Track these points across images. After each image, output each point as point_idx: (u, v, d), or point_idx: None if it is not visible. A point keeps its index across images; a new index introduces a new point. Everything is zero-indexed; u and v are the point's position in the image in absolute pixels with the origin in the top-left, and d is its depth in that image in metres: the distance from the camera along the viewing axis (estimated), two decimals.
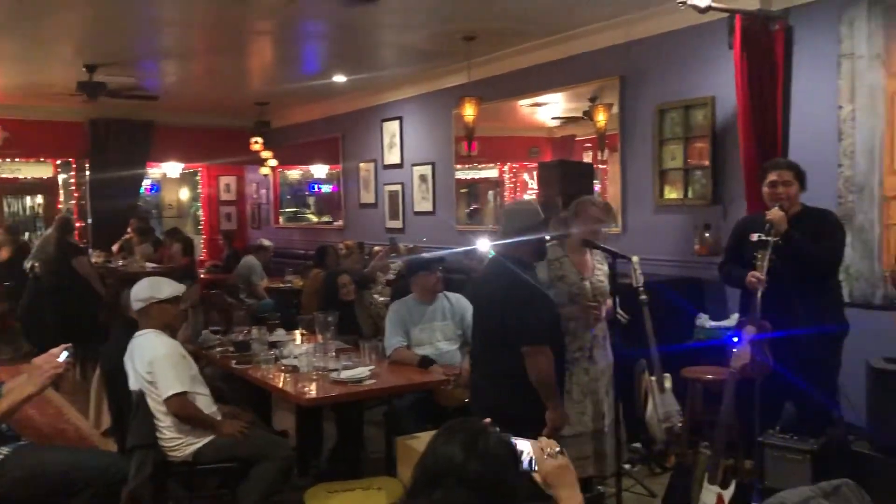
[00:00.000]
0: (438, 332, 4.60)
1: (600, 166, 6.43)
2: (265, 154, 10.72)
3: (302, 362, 4.24)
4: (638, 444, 4.74)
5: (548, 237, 3.66)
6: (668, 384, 4.51)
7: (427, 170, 8.58)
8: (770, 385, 3.65)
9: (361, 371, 4.05)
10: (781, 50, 4.87)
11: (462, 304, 4.63)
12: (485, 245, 6.39)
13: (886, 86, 4.61)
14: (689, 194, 5.73)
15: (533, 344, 3.25)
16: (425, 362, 4.34)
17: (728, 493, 3.34)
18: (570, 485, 1.75)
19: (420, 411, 4.26)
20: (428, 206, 8.62)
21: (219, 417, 3.86)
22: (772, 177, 3.88)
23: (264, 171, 11.15)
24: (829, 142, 4.77)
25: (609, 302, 3.88)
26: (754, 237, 3.74)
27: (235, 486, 3.70)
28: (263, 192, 12.32)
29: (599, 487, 4.10)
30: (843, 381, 4.01)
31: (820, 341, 3.76)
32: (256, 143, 10.67)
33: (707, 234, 5.49)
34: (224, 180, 12.75)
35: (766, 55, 4.88)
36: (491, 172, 7.99)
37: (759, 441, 3.68)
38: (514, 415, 3.11)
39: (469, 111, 6.68)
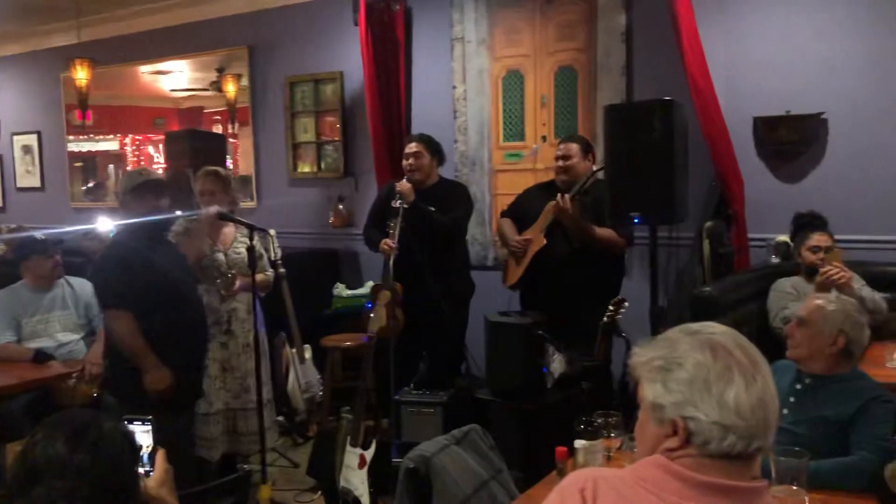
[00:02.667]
0: (57, 323, 4.09)
1: (231, 140, 6.24)
2: None
3: None
4: (280, 418, 4.73)
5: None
6: (307, 355, 4.56)
7: (32, 139, 7.66)
8: (405, 346, 3.87)
9: None
10: (402, 30, 5.15)
11: (87, 289, 4.17)
12: (105, 224, 5.84)
13: (491, 68, 5.12)
14: (322, 167, 5.83)
15: (109, 307, 3.19)
16: (40, 357, 3.85)
17: (369, 453, 3.47)
18: (172, 490, 1.75)
19: (37, 412, 3.75)
20: (34, 182, 7.73)
21: None
22: (405, 148, 4.12)
23: None
24: (446, 119, 5.18)
25: (269, 275, 3.91)
26: (396, 203, 3.93)
27: None
28: None
29: (244, 466, 4.01)
30: (467, 336, 4.42)
31: (447, 301, 4.10)
32: None
33: (341, 206, 5.65)
34: None
35: (389, 34, 5.12)
36: (111, 144, 7.32)
37: (395, 399, 3.89)
38: (121, 385, 3.21)
39: (81, 75, 6.02)
